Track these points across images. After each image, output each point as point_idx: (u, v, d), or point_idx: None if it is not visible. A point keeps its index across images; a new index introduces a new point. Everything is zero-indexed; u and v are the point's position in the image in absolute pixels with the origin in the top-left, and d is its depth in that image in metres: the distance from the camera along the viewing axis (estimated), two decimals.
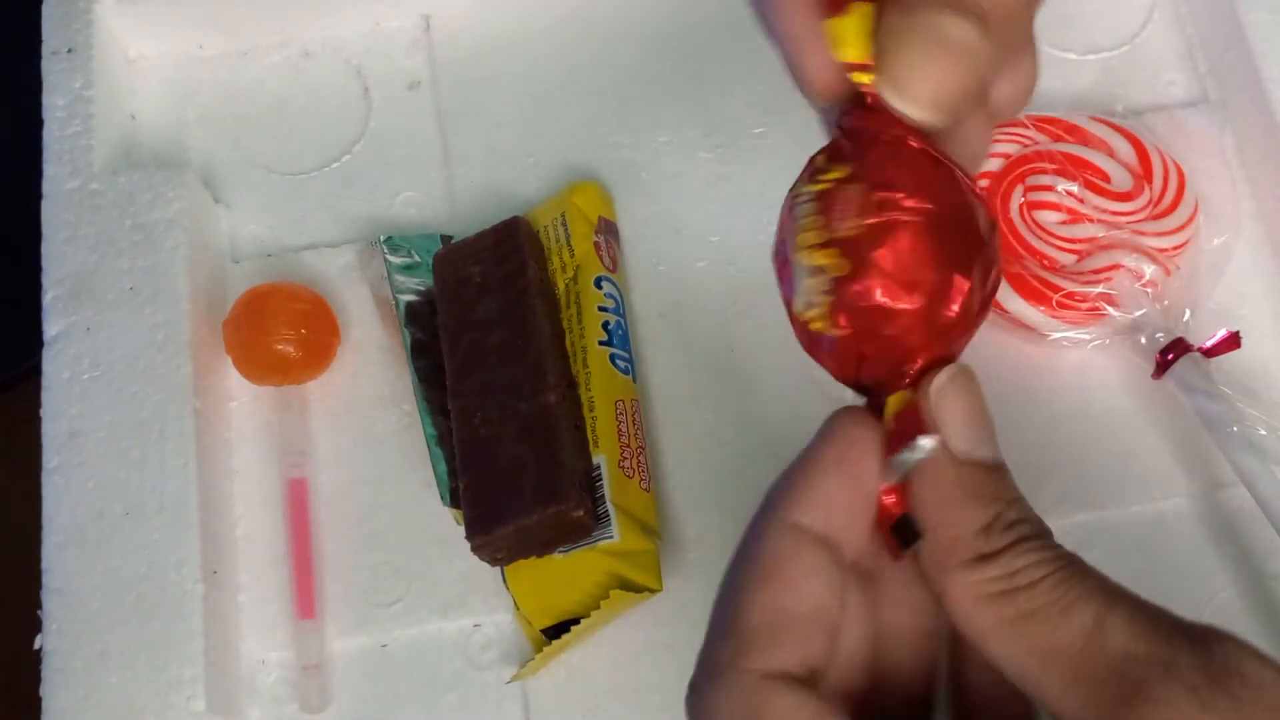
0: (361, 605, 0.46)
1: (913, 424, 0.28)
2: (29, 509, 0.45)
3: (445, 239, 0.50)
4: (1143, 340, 0.47)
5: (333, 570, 0.47)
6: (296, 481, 0.48)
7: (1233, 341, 0.47)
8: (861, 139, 0.29)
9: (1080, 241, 0.48)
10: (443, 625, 0.46)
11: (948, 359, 0.29)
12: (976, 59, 0.28)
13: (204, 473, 0.46)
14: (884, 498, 0.29)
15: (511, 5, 0.55)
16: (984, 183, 0.49)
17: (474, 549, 0.44)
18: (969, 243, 0.28)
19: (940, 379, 0.28)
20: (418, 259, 0.49)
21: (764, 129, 0.53)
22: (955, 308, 0.28)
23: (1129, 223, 0.48)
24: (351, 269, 0.51)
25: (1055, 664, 0.25)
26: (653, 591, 0.44)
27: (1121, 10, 0.55)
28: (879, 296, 0.28)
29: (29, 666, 0.43)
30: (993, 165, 0.49)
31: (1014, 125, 0.50)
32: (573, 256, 0.49)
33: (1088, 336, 0.48)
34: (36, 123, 0.51)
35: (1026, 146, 0.49)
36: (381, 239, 0.50)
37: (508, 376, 0.45)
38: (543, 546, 0.44)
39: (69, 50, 0.52)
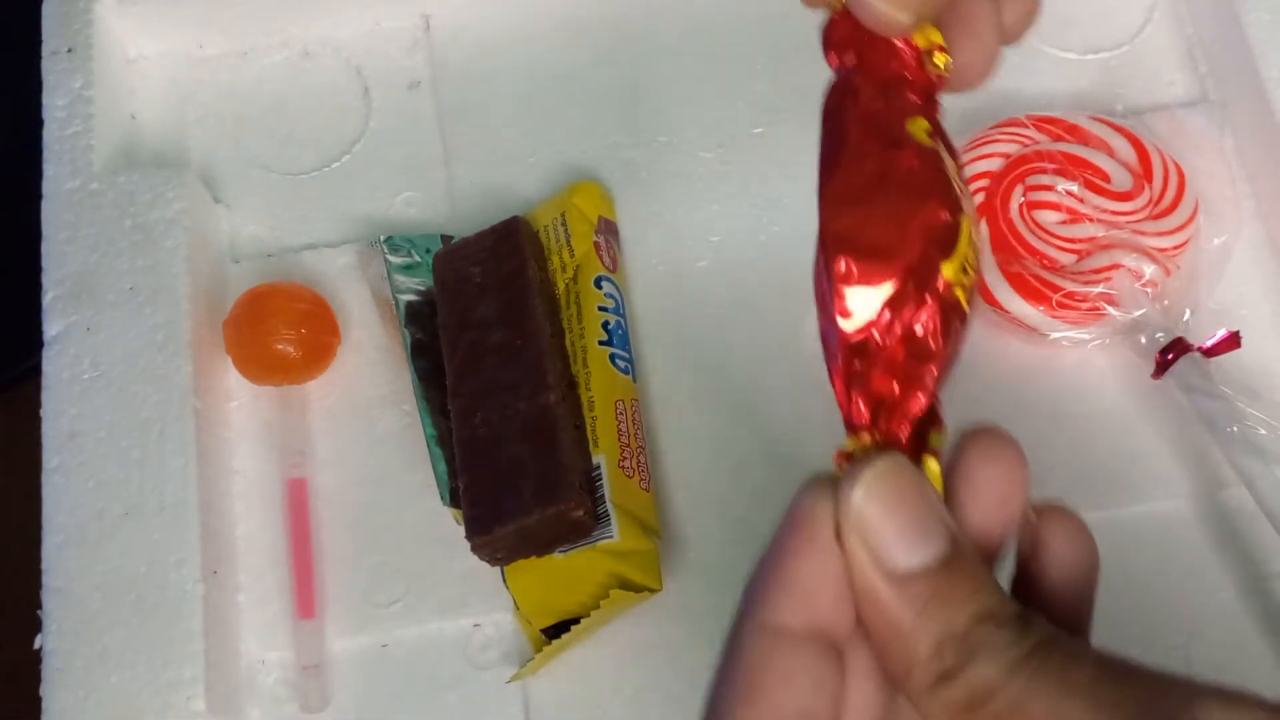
0: (361, 605, 0.46)
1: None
2: (29, 509, 0.45)
3: (445, 239, 0.50)
4: (1143, 340, 0.47)
5: (332, 570, 0.47)
6: (296, 481, 0.48)
7: (1233, 341, 0.47)
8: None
9: (1080, 241, 0.48)
10: (443, 625, 0.46)
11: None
12: None
13: (204, 473, 0.46)
14: None
15: (511, 5, 0.55)
16: (983, 182, 0.49)
17: (474, 549, 0.44)
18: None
19: (858, 492, 0.26)
20: (418, 259, 0.49)
21: (764, 129, 0.53)
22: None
23: (1129, 222, 0.48)
24: (351, 269, 0.51)
25: None
26: (653, 591, 0.44)
27: (1121, 10, 0.55)
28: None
29: (29, 666, 0.43)
30: (993, 165, 0.49)
31: (1014, 125, 0.50)
32: (573, 256, 0.49)
33: (1088, 336, 0.48)
34: (36, 123, 0.51)
35: (1026, 146, 0.49)
36: (381, 239, 0.50)
37: (508, 376, 0.45)
38: (543, 546, 0.44)
39: (69, 50, 0.52)
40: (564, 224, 0.49)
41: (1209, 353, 0.46)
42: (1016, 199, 0.48)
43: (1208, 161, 0.49)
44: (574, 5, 0.55)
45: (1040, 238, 0.48)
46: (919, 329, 0.27)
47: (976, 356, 0.49)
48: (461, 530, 0.44)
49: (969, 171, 0.49)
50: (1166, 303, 0.47)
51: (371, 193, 0.53)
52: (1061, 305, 0.47)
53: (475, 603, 0.46)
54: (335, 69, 0.55)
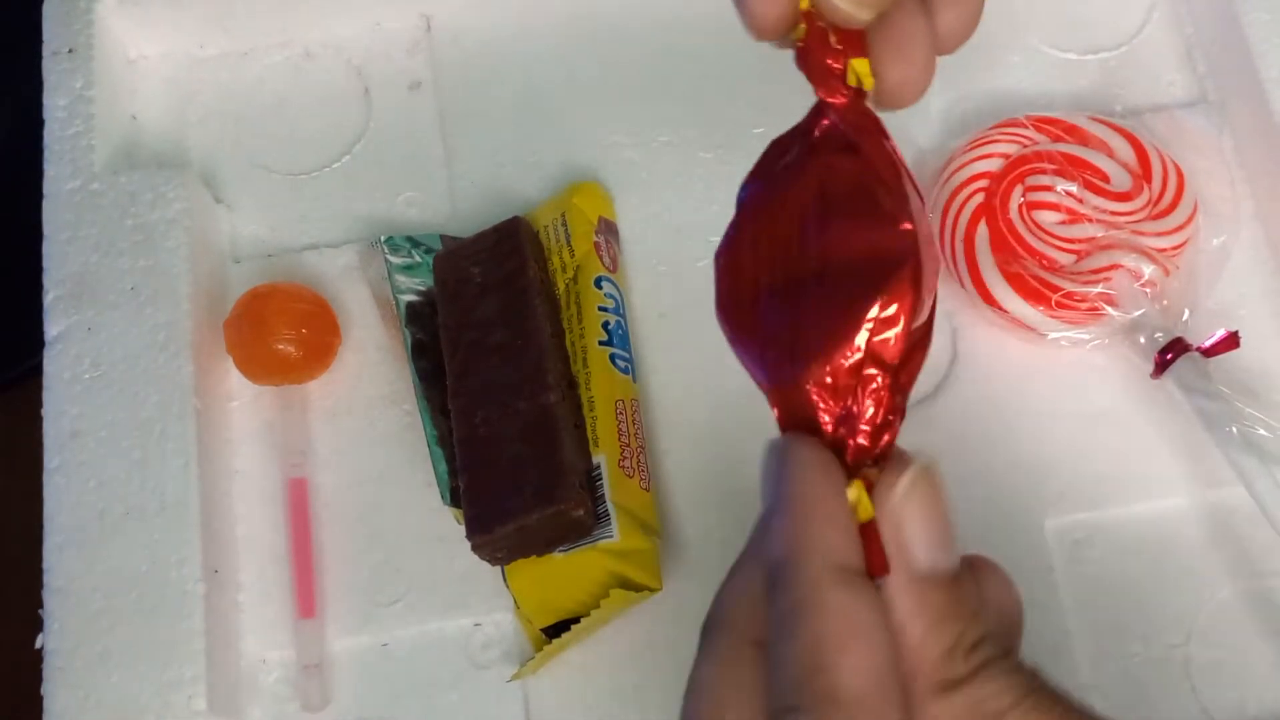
0: (362, 605, 0.47)
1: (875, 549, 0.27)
2: (30, 509, 0.46)
3: (446, 239, 0.50)
4: (1142, 340, 0.47)
5: (333, 570, 0.47)
6: (297, 481, 0.48)
7: (1231, 341, 0.47)
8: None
9: (1079, 241, 0.48)
10: (443, 624, 0.46)
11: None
12: None
13: (205, 473, 0.46)
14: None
15: (511, 5, 0.55)
16: (983, 182, 0.49)
17: (474, 548, 0.44)
18: None
19: (904, 482, 0.26)
20: (418, 259, 0.50)
21: (764, 129, 0.52)
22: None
23: (1128, 223, 0.48)
24: (352, 269, 0.51)
25: None
26: (652, 591, 0.44)
27: (1121, 10, 0.55)
28: None
29: (29, 666, 0.44)
30: (992, 165, 0.49)
31: (1014, 125, 0.50)
32: (573, 256, 0.49)
33: (1087, 336, 0.48)
34: (37, 123, 0.51)
35: (1026, 146, 0.49)
36: (382, 239, 0.50)
37: (508, 376, 0.45)
38: (543, 546, 0.44)
39: (70, 50, 0.52)
40: (564, 224, 0.49)
41: (1208, 353, 0.46)
42: (1016, 199, 0.48)
43: (1207, 162, 0.49)
44: (574, 5, 0.55)
45: (1040, 238, 0.48)
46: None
47: (976, 356, 0.49)
48: (462, 530, 0.44)
49: (969, 172, 0.49)
50: (1165, 303, 0.47)
51: (372, 193, 0.53)
52: (1061, 305, 0.47)
53: (475, 602, 0.46)
54: (336, 69, 0.55)
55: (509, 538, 0.43)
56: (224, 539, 0.47)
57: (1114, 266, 0.47)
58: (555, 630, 0.44)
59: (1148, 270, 0.47)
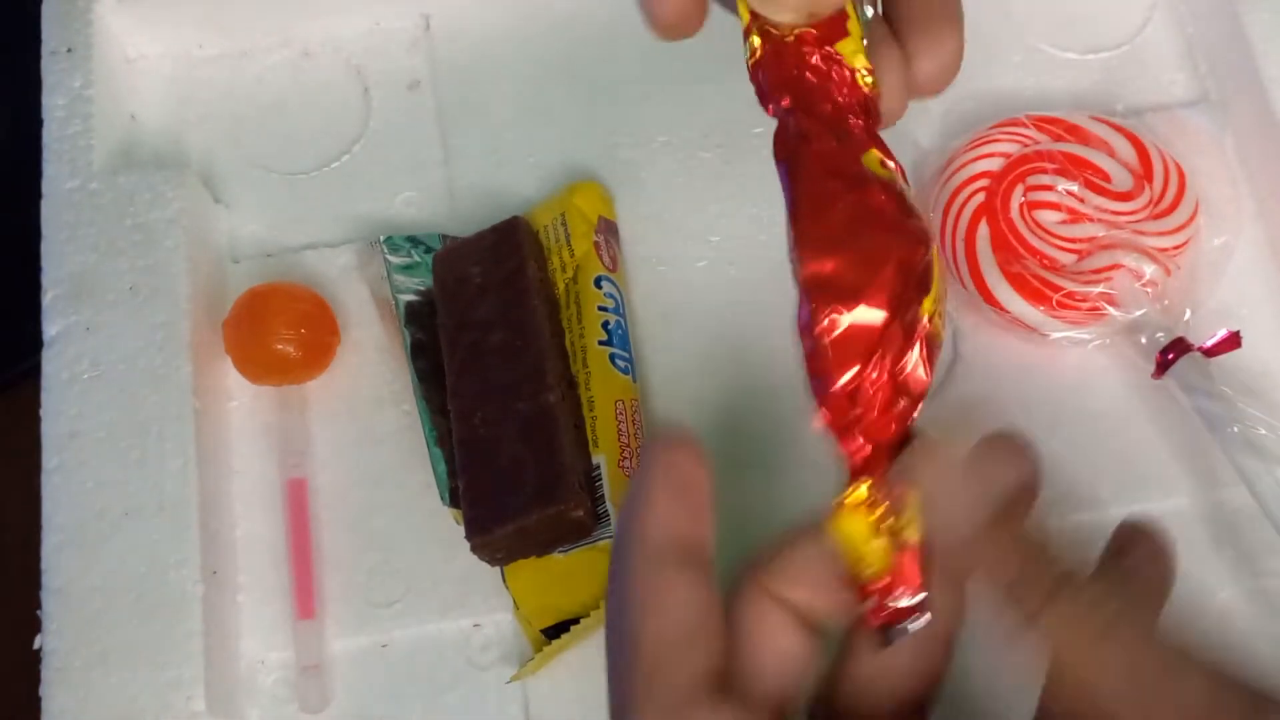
0: (361, 605, 0.46)
1: (909, 578, 0.28)
2: (29, 509, 0.45)
3: (445, 239, 0.50)
4: (1143, 340, 0.47)
5: (332, 570, 0.47)
6: (296, 481, 0.48)
7: (1233, 341, 0.47)
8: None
9: (1080, 241, 0.48)
10: (443, 625, 0.46)
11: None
12: None
13: (204, 473, 0.46)
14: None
15: (511, 5, 0.55)
16: (983, 182, 0.49)
17: (474, 549, 0.44)
18: None
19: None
20: (417, 259, 0.49)
21: (764, 129, 0.53)
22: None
23: (1129, 222, 0.48)
24: (351, 269, 0.51)
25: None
26: None
27: (1121, 10, 0.55)
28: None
29: (29, 666, 0.43)
30: (993, 165, 0.49)
31: (1014, 125, 0.50)
32: (573, 256, 0.49)
33: (1088, 336, 0.48)
34: (36, 123, 0.51)
35: (1027, 146, 0.49)
36: (381, 239, 0.49)
37: (508, 376, 0.45)
38: (543, 546, 0.44)
39: (69, 50, 0.52)
40: (564, 224, 0.49)
41: (1209, 352, 0.46)
42: (1017, 199, 0.48)
43: (1208, 161, 0.49)
44: (574, 5, 0.55)
45: (1040, 237, 0.48)
46: (907, 367, 0.27)
47: (976, 356, 0.49)
48: (461, 530, 0.44)
49: (969, 172, 0.49)
50: (1167, 302, 0.47)
51: (371, 192, 0.53)
52: (1062, 305, 0.47)
53: (475, 603, 0.46)
54: (335, 69, 0.55)
55: (508, 538, 0.43)
56: (223, 539, 0.47)
57: (1115, 266, 0.47)
58: (555, 631, 0.44)
59: (1149, 270, 0.47)
